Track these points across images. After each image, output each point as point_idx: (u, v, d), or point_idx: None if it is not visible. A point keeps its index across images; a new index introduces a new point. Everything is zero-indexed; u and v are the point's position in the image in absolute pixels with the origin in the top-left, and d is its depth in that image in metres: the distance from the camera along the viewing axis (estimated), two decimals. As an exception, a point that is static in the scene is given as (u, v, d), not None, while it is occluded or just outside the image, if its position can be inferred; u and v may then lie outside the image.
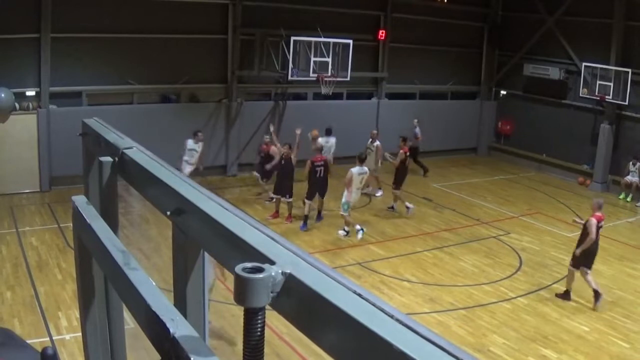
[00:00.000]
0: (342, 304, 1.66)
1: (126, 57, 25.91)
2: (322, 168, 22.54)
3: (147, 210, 16.96)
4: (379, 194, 24.26)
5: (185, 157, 23.64)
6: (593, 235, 17.08)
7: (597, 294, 17.05)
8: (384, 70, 32.65)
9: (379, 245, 21.06)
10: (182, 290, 2.69)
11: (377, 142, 25.42)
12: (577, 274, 17.47)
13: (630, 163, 28.11)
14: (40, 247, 19.14)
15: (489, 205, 25.99)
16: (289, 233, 21.04)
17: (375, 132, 25.42)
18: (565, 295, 17.61)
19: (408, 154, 24.86)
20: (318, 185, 22.45)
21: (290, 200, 22.59)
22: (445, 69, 34.65)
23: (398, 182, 24.30)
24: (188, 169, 23.43)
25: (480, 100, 36.50)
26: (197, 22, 27.22)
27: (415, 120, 30.19)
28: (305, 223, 22.06)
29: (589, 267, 17.30)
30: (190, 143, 24.00)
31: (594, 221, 17.22)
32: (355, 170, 21.47)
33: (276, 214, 22.96)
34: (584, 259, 17.35)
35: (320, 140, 24.56)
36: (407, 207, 24.00)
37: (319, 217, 22.98)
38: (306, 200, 22.14)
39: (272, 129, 25.08)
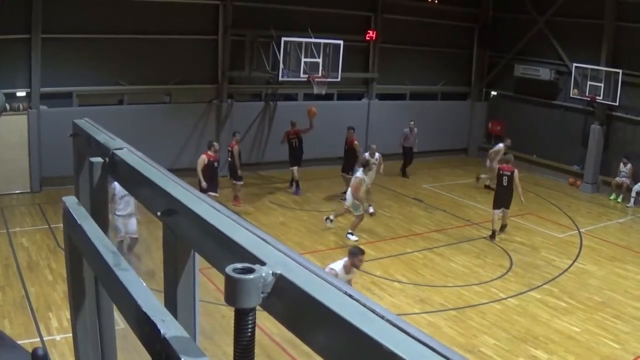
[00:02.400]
0: (333, 304, 1.66)
1: (117, 58, 25.87)
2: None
3: (137, 211, 16.96)
4: (371, 210, 24.09)
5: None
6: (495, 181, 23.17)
7: (493, 233, 22.43)
8: (374, 71, 32.67)
9: (369, 245, 21.03)
10: (172, 291, 2.69)
11: (377, 155, 25.32)
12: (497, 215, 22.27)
13: (621, 163, 28.15)
14: (31, 247, 19.11)
15: (480, 206, 26.00)
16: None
17: (374, 146, 25.33)
18: (492, 236, 22.44)
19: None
20: None
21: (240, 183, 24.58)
22: (435, 70, 34.70)
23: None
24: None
25: (471, 101, 36.56)
26: (188, 23, 27.19)
27: (412, 122, 30.76)
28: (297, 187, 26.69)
29: (496, 208, 22.30)
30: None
31: (498, 170, 22.59)
32: (360, 174, 21.46)
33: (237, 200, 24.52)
34: (493, 202, 22.49)
35: (367, 155, 24.47)
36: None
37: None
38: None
39: (238, 136, 24.97)
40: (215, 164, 22.13)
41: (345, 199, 22.70)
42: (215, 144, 22.52)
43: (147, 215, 2.97)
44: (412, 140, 30.55)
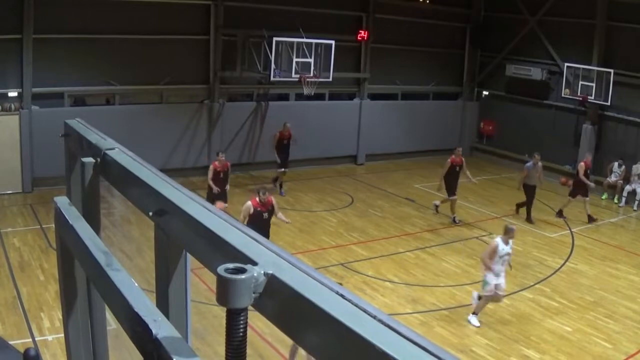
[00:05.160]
0: (325, 304, 1.66)
1: (108, 58, 25.83)
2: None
3: (129, 211, 16.93)
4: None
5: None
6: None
7: (436, 207, 24.54)
8: (366, 70, 32.67)
9: (361, 245, 21.07)
10: (164, 291, 2.69)
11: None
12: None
13: (616, 164, 28.13)
14: (23, 248, 19.07)
15: (471, 206, 26.03)
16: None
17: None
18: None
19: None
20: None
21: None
22: (427, 70, 34.72)
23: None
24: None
25: (463, 100, 36.58)
26: (179, 23, 27.16)
27: (537, 155, 24.97)
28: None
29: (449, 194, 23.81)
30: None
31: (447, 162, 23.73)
32: (499, 240, 16.10)
33: None
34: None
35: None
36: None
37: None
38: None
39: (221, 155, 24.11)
40: (222, 174, 21.77)
41: None
42: (220, 153, 22.38)
43: (139, 215, 2.96)
44: (536, 177, 24.79)
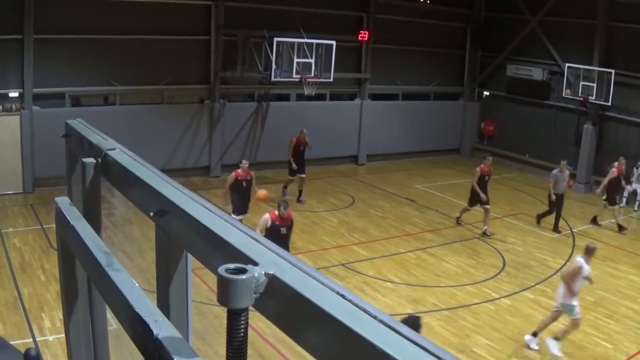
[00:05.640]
0: (325, 304, 1.67)
1: (109, 59, 25.81)
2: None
3: (130, 212, 16.94)
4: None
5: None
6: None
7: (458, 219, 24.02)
8: (367, 71, 32.65)
9: (362, 246, 21.07)
10: (165, 292, 2.69)
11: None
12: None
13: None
14: (24, 248, 19.07)
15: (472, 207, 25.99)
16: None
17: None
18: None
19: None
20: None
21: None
22: (428, 70, 34.69)
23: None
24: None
25: (464, 101, 36.55)
26: (180, 23, 27.15)
27: (564, 162, 24.31)
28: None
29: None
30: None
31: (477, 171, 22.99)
32: (582, 260, 15.05)
33: None
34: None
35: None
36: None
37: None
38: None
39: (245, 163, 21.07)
40: (244, 182, 20.09)
41: None
42: (244, 161, 20.72)
43: (139, 216, 2.97)
44: (563, 185, 24.18)
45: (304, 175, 25.74)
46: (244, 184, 20.04)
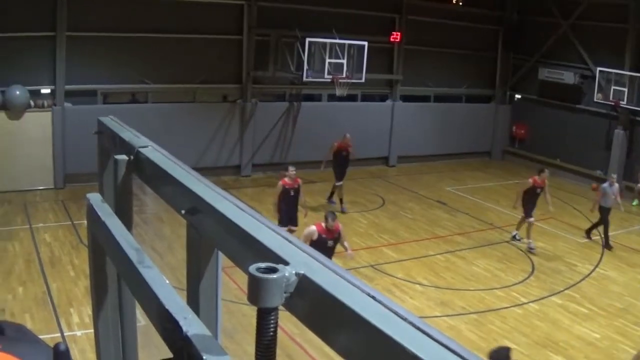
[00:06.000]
0: (356, 306, 1.66)
1: (141, 57, 25.98)
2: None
3: (161, 209, 17.00)
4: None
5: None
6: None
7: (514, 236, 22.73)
8: (398, 72, 32.61)
9: (391, 247, 21.03)
10: (195, 289, 2.70)
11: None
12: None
13: None
14: (54, 243, 19.21)
15: (503, 210, 25.86)
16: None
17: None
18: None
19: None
20: None
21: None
22: (460, 72, 34.57)
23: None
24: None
25: (495, 103, 36.39)
26: (213, 22, 27.26)
27: (614, 176, 24.01)
28: None
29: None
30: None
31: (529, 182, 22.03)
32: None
33: None
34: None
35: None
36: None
37: None
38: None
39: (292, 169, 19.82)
40: (292, 191, 19.05)
41: None
42: (290, 167, 19.32)
43: (170, 213, 2.97)
44: (612, 199, 22.79)
45: (340, 183, 24.88)
46: (292, 193, 19.12)
